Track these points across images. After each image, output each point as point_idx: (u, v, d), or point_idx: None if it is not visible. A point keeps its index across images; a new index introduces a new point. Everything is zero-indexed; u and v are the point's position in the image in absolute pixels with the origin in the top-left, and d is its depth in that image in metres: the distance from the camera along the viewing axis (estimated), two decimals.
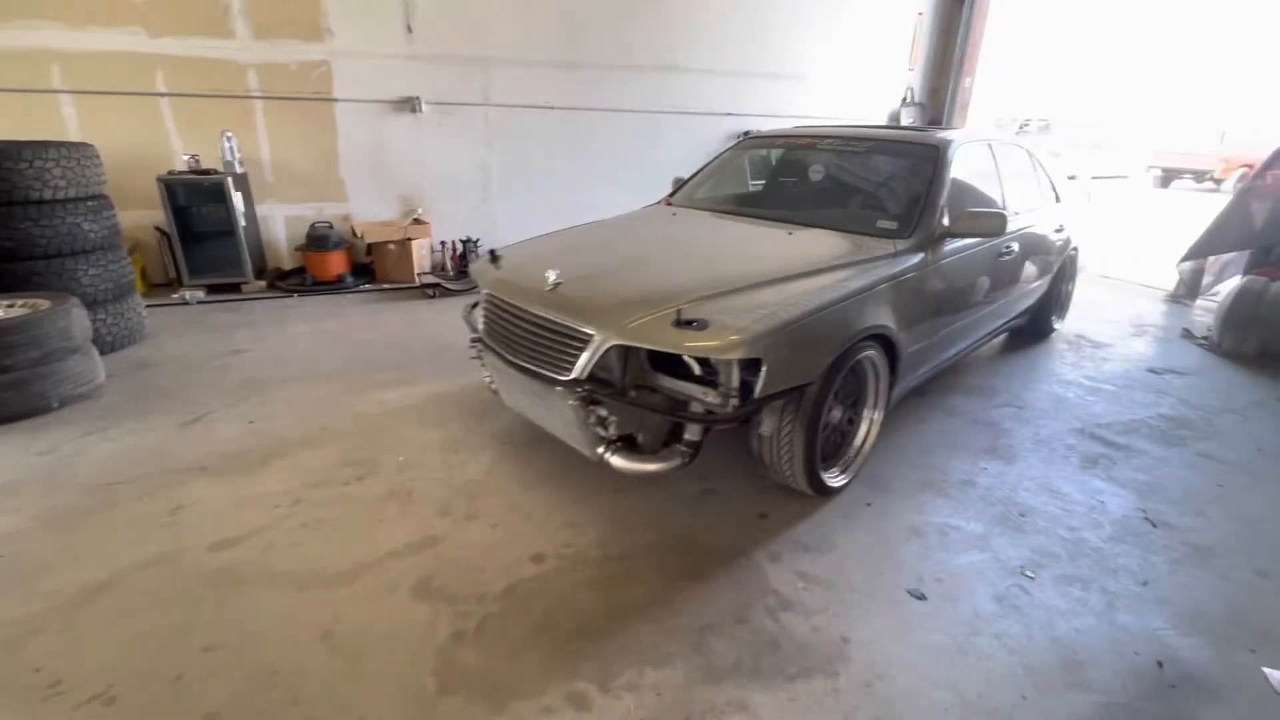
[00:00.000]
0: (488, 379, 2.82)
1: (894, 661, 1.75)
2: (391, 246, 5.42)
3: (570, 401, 2.18)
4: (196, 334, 4.15)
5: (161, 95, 4.80)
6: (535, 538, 2.23)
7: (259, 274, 5.16)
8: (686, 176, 4.00)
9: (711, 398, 2.10)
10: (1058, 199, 4.08)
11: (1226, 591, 2.06)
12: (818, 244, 2.75)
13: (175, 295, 4.83)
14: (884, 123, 7.90)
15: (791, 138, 3.78)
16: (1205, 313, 5.35)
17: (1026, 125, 18.30)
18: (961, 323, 3.14)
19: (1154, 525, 2.40)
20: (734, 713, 1.59)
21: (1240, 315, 4.18)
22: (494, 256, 2.76)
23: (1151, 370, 3.96)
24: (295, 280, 5.27)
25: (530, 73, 5.92)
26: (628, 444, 2.29)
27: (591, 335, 2.12)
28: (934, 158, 3.03)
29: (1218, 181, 15.42)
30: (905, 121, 7.86)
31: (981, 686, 1.68)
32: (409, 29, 5.35)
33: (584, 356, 2.14)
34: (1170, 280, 5.76)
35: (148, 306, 4.27)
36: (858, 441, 2.65)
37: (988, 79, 8.06)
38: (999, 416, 3.26)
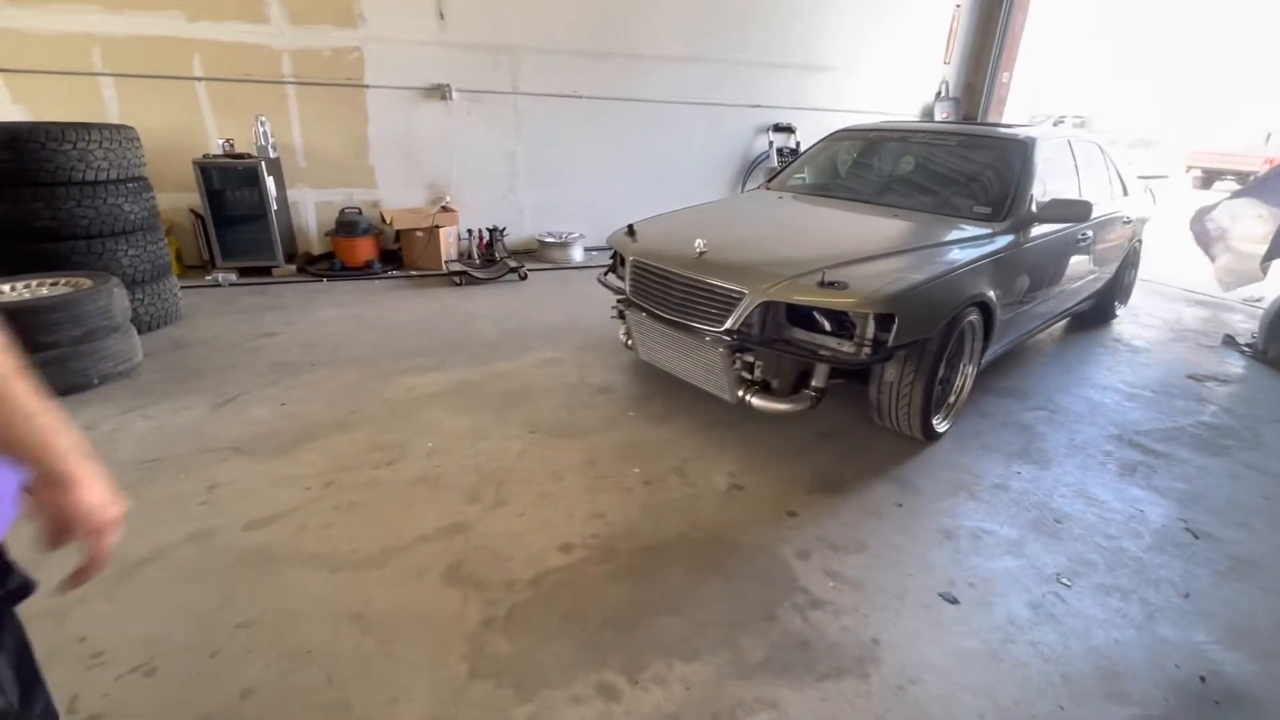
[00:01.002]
0: (624, 336, 3.30)
1: (926, 665, 1.72)
2: (419, 234, 5.46)
3: (720, 350, 2.63)
4: (228, 316, 4.22)
5: (198, 80, 4.86)
6: (563, 527, 2.23)
7: (289, 258, 5.22)
8: (778, 166, 4.62)
9: (847, 347, 2.49)
10: (1125, 192, 4.40)
11: (1272, 606, 2.00)
12: (923, 225, 3.19)
13: (209, 277, 4.91)
14: (940, 118, 7.74)
15: (883, 132, 4.19)
16: (1249, 319, 5.20)
17: (1061, 121, 17.89)
18: (1043, 298, 3.49)
19: (1195, 536, 2.33)
20: (763, 710, 1.58)
21: None
22: (631, 230, 3.26)
23: (1192, 377, 3.85)
24: (324, 265, 5.33)
25: (559, 61, 5.90)
26: (764, 388, 2.70)
27: (743, 293, 2.57)
28: (1023, 152, 3.41)
29: None
30: (939, 115, 7.71)
31: (1016, 694, 1.65)
32: (441, 16, 5.36)
33: (736, 311, 2.59)
34: (1211, 285, 5.57)
35: (182, 288, 4.35)
36: (956, 392, 3.03)
37: (1025, 74, 7.87)
38: (1032, 420, 3.20)
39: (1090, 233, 3.72)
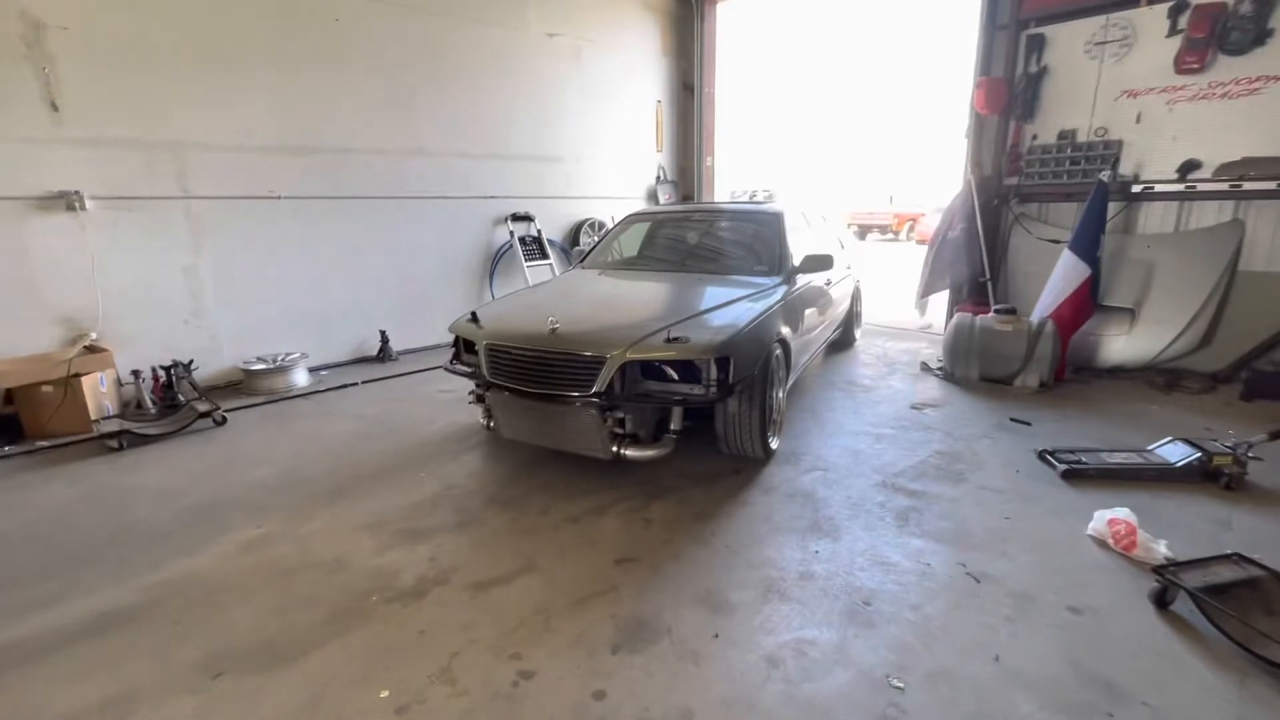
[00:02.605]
0: (483, 419, 3.51)
1: None
2: (47, 389, 3.95)
3: (592, 411, 2.87)
4: None
5: None
6: None
7: None
8: (586, 249, 5.03)
9: (697, 390, 2.89)
10: (842, 246, 5.53)
11: (1059, 643, 2.05)
12: (723, 284, 3.83)
13: None
14: (663, 199, 8.28)
15: (668, 213, 5.10)
16: (932, 344, 6.26)
17: (754, 195, 21.34)
18: (814, 330, 4.27)
19: (977, 580, 2.39)
20: None
21: (960, 347, 4.86)
22: (474, 317, 3.43)
23: (914, 407, 4.35)
24: None
25: (248, 159, 4.98)
26: (633, 440, 2.99)
27: (605, 358, 2.86)
28: (778, 222, 4.38)
29: (895, 233, 19.54)
30: (661, 197, 8.34)
31: None
32: (54, 108, 4.13)
33: (601, 375, 2.85)
34: (906, 317, 6.69)
35: None
36: (778, 413, 3.60)
37: (726, 157, 8.97)
38: (810, 484, 3.20)
39: (831, 278, 4.65)
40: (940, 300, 6.31)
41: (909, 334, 6.76)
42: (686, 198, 8.67)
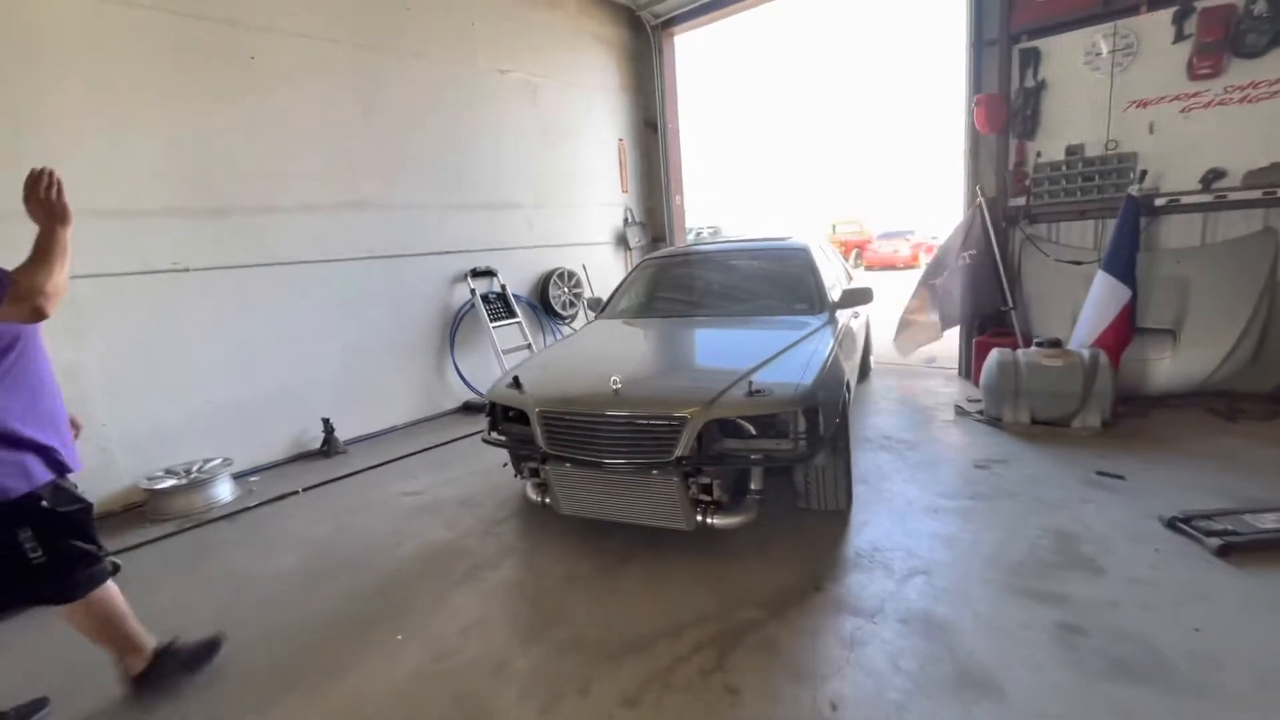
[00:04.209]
0: (534, 494, 3.05)
1: None
2: None
3: (674, 479, 2.57)
4: None
5: None
6: None
7: None
8: (605, 299, 4.63)
9: (784, 445, 2.59)
10: (849, 277, 5.27)
11: None
12: (770, 326, 3.55)
13: None
14: (633, 242, 7.63)
15: (685, 254, 4.78)
16: (947, 381, 5.74)
17: (701, 232, 21.10)
18: (853, 365, 4.05)
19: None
20: None
21: (1005, 388, 4.31)
22: (517, 383, 3.04)
23: (978, 466, 3.72)
24: None
25: (143, 224, 4.02)
26: (716, 507, 2.66)
27: (685, 418, 2.57)
28: (807, 256, 4.16)
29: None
30: (631, 240, 7.71)
31: None
32: None
33: (682, 437, 2.57)
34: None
35: None
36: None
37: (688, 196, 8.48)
38: (919, 598, 2.46)
39: (860, 310, 4.40)
40: (951, 334, 5.84)
41: (915, 370, 6.25)
42: (657, 240, 8.07)
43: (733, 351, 3.24)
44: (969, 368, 5.62)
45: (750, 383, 2.61)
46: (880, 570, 2.67)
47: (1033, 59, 5.03)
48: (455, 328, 5.89)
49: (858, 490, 3.47)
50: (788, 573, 2.69)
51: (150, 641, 2.25)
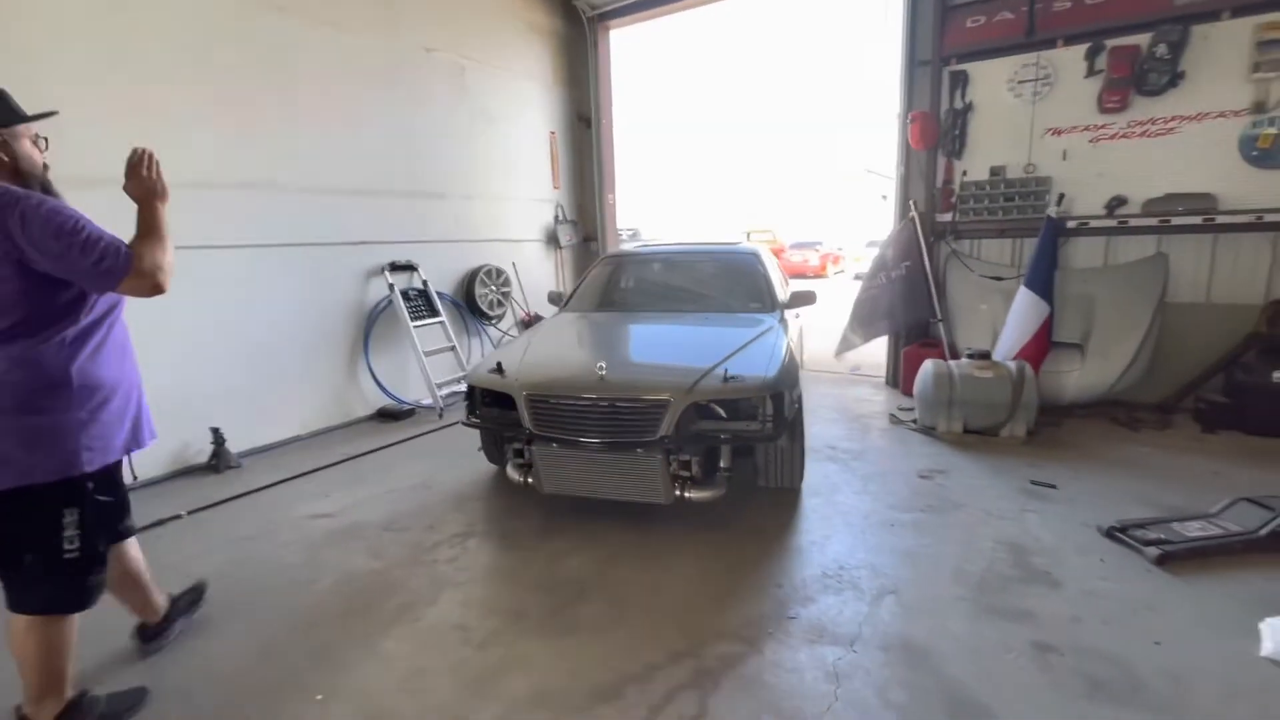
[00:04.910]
0: (516, 474, 3.13)
1: None
2: None
3: (657, 456, 2.80)
4: None
5: None
6: None
7: None
8: (566, 293, 4.78)
9: (753, 427, 2.87)
10: (786, 282, 5.23)
11: None
12: (730, 323, 3.79)
13: None
14: (564, 240, 7.28)
15: (646, 254, 5.06)
16: (875, 389, 5.89)
17: (621, 235, 20.94)
18: (803, 358, 4.61)
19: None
20: None
21: (940, 398, 4.42)
22: (499, 368, 3.18)
23: (922, 476, 3.76)
24: None
25: None
26: (693, 482, 2.89)
27: (669, 401, 2.81)
28: (757, 260, 4.55)
29: None
30: (562, 238, 7.40)
31: None
32: None
33: (666, 418, 2.80)
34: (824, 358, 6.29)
35: None
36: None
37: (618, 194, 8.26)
38: (895, 624, 2.38)
39: (800, 312, 4.59)
40: (878, 343, 6.01)
41: (842, 378, 6.39)
42: (589, 238, 7.80)
43: (701, 343, 3.42)
44: (897, 376, 5.80)
45: (725, 370, 2.86)
46: (850, 591, 2.58)
47: (962, 81, 5.25)
48: (370, 326, 5.35)
49: (813, 504, 3.40)
50: (757, 598, 2.54)
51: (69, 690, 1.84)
